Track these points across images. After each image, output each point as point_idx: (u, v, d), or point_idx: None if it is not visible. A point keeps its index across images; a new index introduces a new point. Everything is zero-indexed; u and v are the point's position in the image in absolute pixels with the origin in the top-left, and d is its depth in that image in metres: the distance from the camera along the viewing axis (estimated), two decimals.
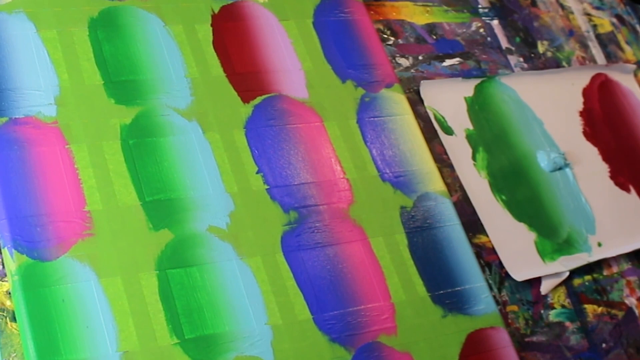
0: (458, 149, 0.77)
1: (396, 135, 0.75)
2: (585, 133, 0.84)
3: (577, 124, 0.84)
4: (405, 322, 0.66)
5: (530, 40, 0.88)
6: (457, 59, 0.83)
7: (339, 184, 0.70)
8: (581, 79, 0.87)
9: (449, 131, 0.77)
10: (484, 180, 0.76)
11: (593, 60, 0.90)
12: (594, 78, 0.88)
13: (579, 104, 0.85)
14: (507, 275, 0.73)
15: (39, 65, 0.66)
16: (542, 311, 0.72)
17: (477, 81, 0.81)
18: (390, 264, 0.68)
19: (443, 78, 0.80)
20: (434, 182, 0.73)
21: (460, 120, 0.78)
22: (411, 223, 0.71)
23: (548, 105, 0.83)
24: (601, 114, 0.86)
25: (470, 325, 0.68)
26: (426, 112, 0.78)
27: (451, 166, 0.76)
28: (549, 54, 0.88)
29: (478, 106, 0.80)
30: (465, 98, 0.80)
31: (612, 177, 0.82)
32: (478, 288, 0.70)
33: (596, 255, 0.76)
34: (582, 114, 0.85)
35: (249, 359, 0.61)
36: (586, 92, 0.86)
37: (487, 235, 0.74)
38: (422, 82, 0.78)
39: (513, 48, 0.86)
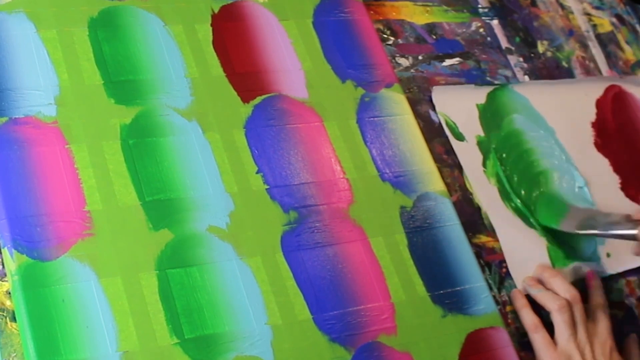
0: (469, 155, 0.76)
1: (396, 135, 0.75)
2: (596, 144, 0.83)
3: (589, 135, 0.83)
4: (405, 322, 0.66)
5: (530, 40, 0.88)
6: (457, 58, 0.83)
7: (338, 184, 0.70)
8: (595, 89, 0.86)
9: (460, 137, 0.77)
10: (493, 187, 0.76)
11: (593, 60, 0.90)
12: (607, 89, 0.87)
13: (591, 114, 0.85)
14: (507, 275, 0.73)
15: (39, 65, 0.66)
16: (541, 311, 0.72)
17: (490, 88, 0.81)
18: (390, 264, 0.68)
19: (443, 78, 0.80)
20: (434, 182, 0.73)
21: (471, 126, 0.78)
22: (411, 223, 0.71)
23: (560, 114, 0.82)
24: (614, 125, 0.85)
25: (470, 325, 0.68)
26: (426, 112, 0.78)
27: (451, 166, 0.76)
28: (548, 53, 0.88)
29: (490, 114, 0.79)
30: (477, 105, 0.79)
31: (622, 189, 0.82)
32: (478, 288, 0.70)
33: (606, 267, 0.76)
34: (594, 124, 0.84)
35: (249, 359, 0.61)
36: (599, 103, 0.86)
37: (487, 235, 0.74)
38: (434, 87, 0.78)
39: (513, 48, 0.86)
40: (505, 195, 0.76)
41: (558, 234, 0.75)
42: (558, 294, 0.71)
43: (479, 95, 0.80)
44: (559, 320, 0.69)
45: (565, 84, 0.85)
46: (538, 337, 0.69)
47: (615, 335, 0.71)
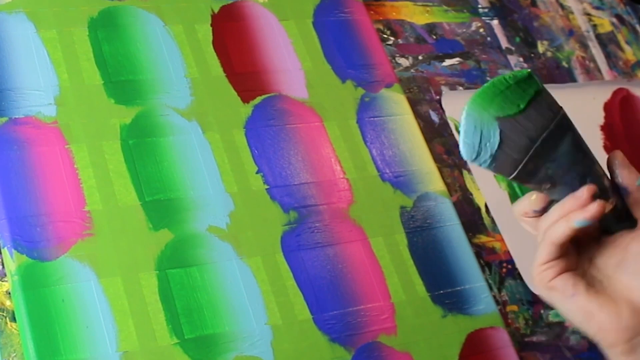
0: None
1: (396, 135, 0.75)
2: (605, 147, 0.83)
3: (598, 138, 0.84)
4: (405, 322, 0.66)
5: (530, 40, 0.88)
6: (457, 58, 0.83)
7: (338, 184, 0.70)
8: (602, 93, 0.87)
9: None
10: (503, 192, 0.76)
11: (593, 60, 0.90)
12: (615, 93, 0.88)
13: (600, 118, 0.85)
14: (507, 275, 0.73)
15: (39, 65, 0.66)
16: (542, 311, 0.72)
17: None
18: (390, 264, 0.68)
19: (443, 78, 0.81)
20: (434, 182, 0.73)
21: None
22: (411, 223, 0.71)
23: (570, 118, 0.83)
24: (622, 129, 0.86)
25: (470, 325, 0.68)
26: (426, 112, 0.78)
27: (451, 166, 0.76)
28: (548, 53, 0.88)
29: None
30: None
31: None
32: (478, 288, 0.70)
33: None
34: (603, 128, 0.85)
35: (249, 359, 0.61)
36: (607, 107, 0.87)
37: (487, 235, 0.74)
38: (443, 92, 0.78)
39: (513, 48, 0.86)
40: (516, 200, 0.76)
41: None
42: None
43: None
44: None
45: (573, 87, 0.85)
46: None
47: None
